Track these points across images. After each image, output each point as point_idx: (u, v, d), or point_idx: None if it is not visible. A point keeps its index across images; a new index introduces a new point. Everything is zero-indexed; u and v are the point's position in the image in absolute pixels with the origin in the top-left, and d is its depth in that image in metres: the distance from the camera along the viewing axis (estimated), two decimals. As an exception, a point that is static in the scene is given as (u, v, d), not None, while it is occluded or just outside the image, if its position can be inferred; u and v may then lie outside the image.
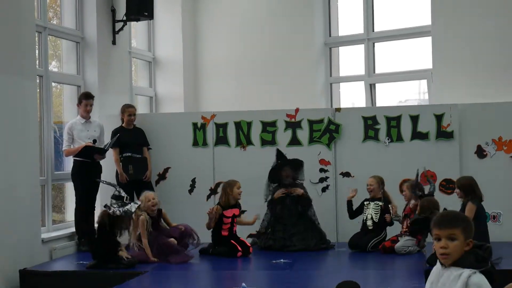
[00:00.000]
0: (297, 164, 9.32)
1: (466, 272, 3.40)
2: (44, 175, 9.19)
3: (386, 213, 8.84)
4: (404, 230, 8.57)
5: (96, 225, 8.11)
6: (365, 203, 9.03)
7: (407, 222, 8.51)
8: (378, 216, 8.87)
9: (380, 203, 8.89)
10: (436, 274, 3.58)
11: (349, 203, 9.11)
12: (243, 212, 9.40)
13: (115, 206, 7.77)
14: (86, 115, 9.34)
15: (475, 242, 3.54)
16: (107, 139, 9.55)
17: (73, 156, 9.19)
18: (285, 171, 9.26)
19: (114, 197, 7.87)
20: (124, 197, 7.85)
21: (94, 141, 9.19)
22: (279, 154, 9.35)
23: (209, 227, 8.77)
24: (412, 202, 8.51)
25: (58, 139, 9.60)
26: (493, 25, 10.65)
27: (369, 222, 8.91)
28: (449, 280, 3.47)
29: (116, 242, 7.91)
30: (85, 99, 9.32)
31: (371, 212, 8.91)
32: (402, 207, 8.84)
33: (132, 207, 7.86)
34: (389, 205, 8.88)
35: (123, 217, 7.80)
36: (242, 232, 9.13)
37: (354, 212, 9.11)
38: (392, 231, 8.81)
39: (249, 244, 8.87)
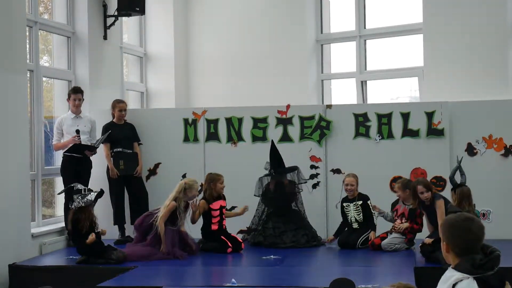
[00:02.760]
0: (292, 170, 9.32)
1: (456, 276, 3.37)
2: (34, 170, 9.16)
3: (366, 209, 8.84)
4: (395, 228, 8.56)
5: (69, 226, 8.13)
6: (344, 204, 9.01)
7: (401, 220, 8.51)
8: (361, 216, 8.87)
9: (359, 203, 8.89)
10: None
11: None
12: (233, 208, 9.41)
13: (76, 200, 7.83)
14: (75, 110, 9.32)
15: (491, 247, 3.47)
16: (98, 134, 9.54)
17: (64, 151, 9.17)
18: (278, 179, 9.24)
19: (74, 192, 7.92)
20: (82, 189, 7.91)
21: (78, 131, 9.15)
22: (273, 148, 9.28)
23: (193, 221, 8.78)
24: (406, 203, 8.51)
25: (48, 134, 9.58)
26: (484, 23, 10.67)
27: (355, 225, 8.91)
28: (442, 279, 3.47)
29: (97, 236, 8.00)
30: (74, 93, 9.31)
31: (354, 214, 8.90)
32: (388, 204, 8.84)
33: (92, 195, 7.92)
34: (368, 202, 8.87)
35: (85, 208, 7.84)
36: (232, 228, 9.13)
37: (342, 225, 9.11)
38: (382, 228, 8.82)
39: (240, 240, 8.88)
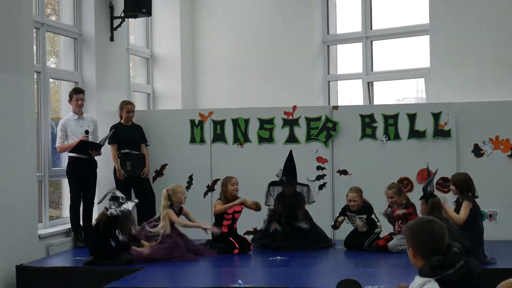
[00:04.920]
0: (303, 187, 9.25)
1: (418, 282, 3.40)
2: (41, 171, 9.18)
3: (372, 223, 8.78)
4: (397, 230, 8.56)
5: (94, 223, 8.13)
6: (349, 214, 8.90)
7: (399, 224, 8.51)
8: (366, 227, 8.83)
9: (364, 216, 8.80)
10: None
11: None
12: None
13: (112, 207, 7.82)
14: (78, 110, 9.32)
15: (452, 243, 3.50)
16: (101, 134, 9.55)
17: (68, 152, 9.19)
18: (287, 188, 9.18)
19: (111, 198, 7.92)
20: (120, 197, 7.90)
21: (87, 131, 9.18)
22: (290, 159, 9.24)
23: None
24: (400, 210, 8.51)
25: (55, 135, 9.59)
26: (491, 24, 10.66)
27: (360, 231, 8.88)
28: (410, 286, 3.49)
29: (113, 241, 7.97)
30: (76, 93, 9.32)
31: (358, 225, 8.85)
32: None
33: (129, 205, 7.90)
34: (372, 216, 8.80)
35: (121, 217, 7.83)
36: (239, 229, 9.11)
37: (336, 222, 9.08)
38: (385, 229, 8.81)
39: (249, 241, 8.88)
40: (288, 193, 9.13)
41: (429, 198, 7.67)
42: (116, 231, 7.91)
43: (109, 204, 7.87)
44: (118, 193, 7.97)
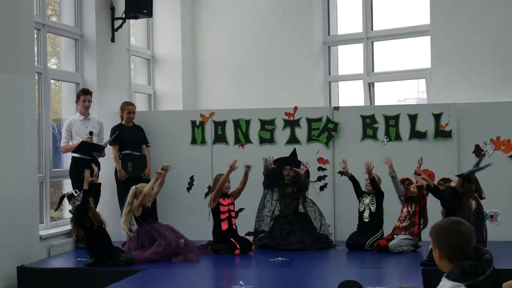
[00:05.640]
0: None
1: (446, 285, 3.33)
2: (42, 172, 9.19)
3: (379, 203, 8.90)
4: (404, 216, 8.58)
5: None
6: (360, 198, 9.01)
7: (408, 207, 8.54)
8: (375, 207, 8.86)
9: (374, 196, 8.92)
10: None
11: (353, 179, 9.08)
12: (241, 210, 9.42)
13: (71, 205, 7.88)
14: (85, 111, 9.35)
15: (483, 249, 3.45)
16: (106, 136, 9.56)
17: (71, 153, 9.20)
18: (286, 170, 9.22)
19: (69, 198, 7.94)
20: (72, 193, 7.97)
21: (91, 133, 9.19)
22: (293, 154, 9.34)
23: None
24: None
25: (56, 136, 9.61)
26: (491, 24, 10.66)
27: (366, 213, 8.89)
28: None
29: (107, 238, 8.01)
30: (83, 94, 9.34)
31: (368, 203, 8.90)
32: (394, 204, 8.85)
33: (79, 196, 7.88)
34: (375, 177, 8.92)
35: (81, 208, 7.84)
36: (240, 230, 9.11)
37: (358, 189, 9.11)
38: (388, 229, 8.81)
39: (251, 242, 8.88)
40: (288, 176, 9.16)
41: (465, 180, 7.70)
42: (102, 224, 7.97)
43: (72, 203, 7.90)
44: (70, 192, 8.06)
